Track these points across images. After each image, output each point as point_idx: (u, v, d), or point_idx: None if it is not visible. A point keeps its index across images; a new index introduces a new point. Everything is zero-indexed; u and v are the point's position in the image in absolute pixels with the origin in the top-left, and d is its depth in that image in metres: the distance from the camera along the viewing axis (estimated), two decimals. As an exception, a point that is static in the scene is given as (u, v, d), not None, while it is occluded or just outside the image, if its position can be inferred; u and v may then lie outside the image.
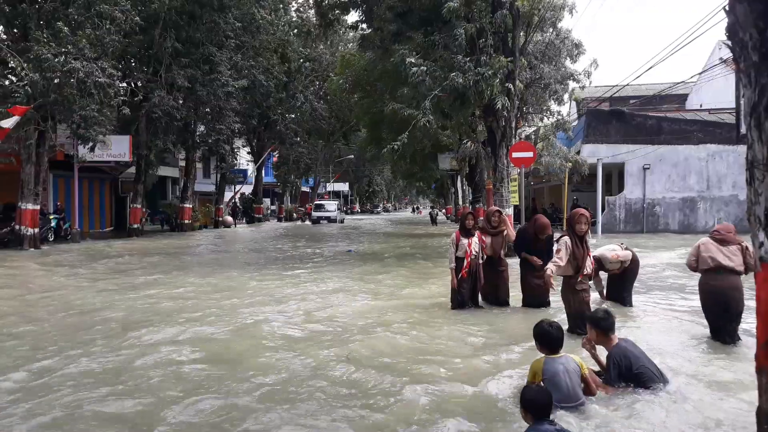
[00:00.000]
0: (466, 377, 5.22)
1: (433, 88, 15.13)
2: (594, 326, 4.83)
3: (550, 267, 6.71)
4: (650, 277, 11.64)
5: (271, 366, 5.65)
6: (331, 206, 48.22)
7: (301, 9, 37.95)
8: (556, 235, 7.37)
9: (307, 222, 47.87)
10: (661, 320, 7.69)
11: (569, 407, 4.19)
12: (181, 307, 8.88)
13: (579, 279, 6.72)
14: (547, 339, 4.39)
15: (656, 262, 14.53)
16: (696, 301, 7.04)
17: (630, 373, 4.64)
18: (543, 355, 4.42)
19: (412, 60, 14.97)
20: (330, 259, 16.66)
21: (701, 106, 35.32)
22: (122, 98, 20.31)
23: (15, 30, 19.02)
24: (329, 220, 45.47)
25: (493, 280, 8.61)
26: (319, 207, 47.99)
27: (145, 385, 5.11)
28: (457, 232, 8.46)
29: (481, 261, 8.46)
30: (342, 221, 48.87)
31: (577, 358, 4.43)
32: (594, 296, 7.82)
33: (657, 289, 10.25)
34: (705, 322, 6.65)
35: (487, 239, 8.57)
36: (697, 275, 6.63)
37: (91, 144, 19.65)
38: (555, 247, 7.11)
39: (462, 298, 8.38)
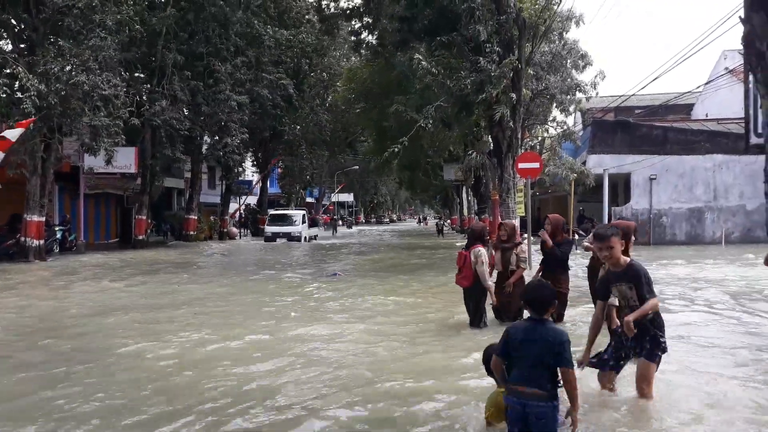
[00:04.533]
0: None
1: (438, 96, 15.24)
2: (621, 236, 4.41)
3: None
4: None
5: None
6: (295, 217, 35.14)
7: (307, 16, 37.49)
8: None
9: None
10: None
11: None
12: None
13: None
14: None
15: None
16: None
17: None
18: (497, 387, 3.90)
19: (420, 57, 15.13)
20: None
21: (707, 115, 35.18)
22: (129, 109, 20.31)
23: (22, 45, 19.15)
24: (290, 237, 32.85)
25: (504, 296, 7.86)
26: (276, 219, 34.87)
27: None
28: (482, 247, 7.76)
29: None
30: (314, 238, 36.76)
31: None
32: None
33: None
34: None
35: (497, 253, 8.01)
36: None
37: (105, 155, 19.61)
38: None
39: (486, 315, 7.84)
